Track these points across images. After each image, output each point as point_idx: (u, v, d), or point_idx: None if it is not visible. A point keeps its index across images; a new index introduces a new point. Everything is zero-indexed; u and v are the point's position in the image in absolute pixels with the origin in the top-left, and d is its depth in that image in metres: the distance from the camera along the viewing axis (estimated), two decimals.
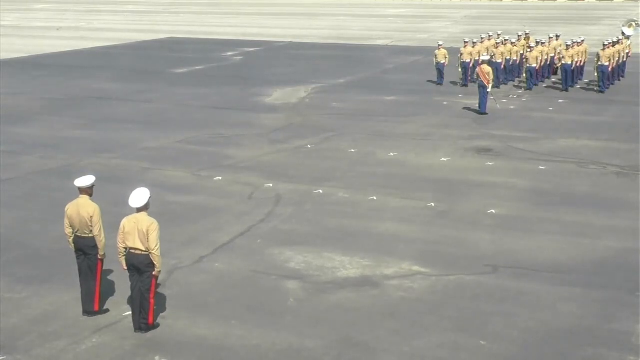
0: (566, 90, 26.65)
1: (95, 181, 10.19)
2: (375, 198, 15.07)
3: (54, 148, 19.28)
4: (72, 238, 10.04)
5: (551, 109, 23.97)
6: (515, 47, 28.49)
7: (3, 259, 12.17)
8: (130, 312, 9.91)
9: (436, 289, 10.98)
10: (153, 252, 9.36)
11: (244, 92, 27.41)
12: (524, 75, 28.13)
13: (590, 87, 27.37)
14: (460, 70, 27.87)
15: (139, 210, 9.49)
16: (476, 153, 18.52)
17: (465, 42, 28.04)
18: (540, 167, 17.20)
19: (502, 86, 27.30)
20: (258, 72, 32.43)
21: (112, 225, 10.53)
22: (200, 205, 14.76)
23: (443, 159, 17.99)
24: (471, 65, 27.43)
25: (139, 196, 9.50)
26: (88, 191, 10.03)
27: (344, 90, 27.63)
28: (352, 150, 18.79)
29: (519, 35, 29.89)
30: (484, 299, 10.62)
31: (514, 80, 28.50)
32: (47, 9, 71.61)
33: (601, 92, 26.34)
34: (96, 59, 36.99)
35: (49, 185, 16.15)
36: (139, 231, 9.35)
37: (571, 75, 26.94)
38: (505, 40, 28.60)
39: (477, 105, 23.24)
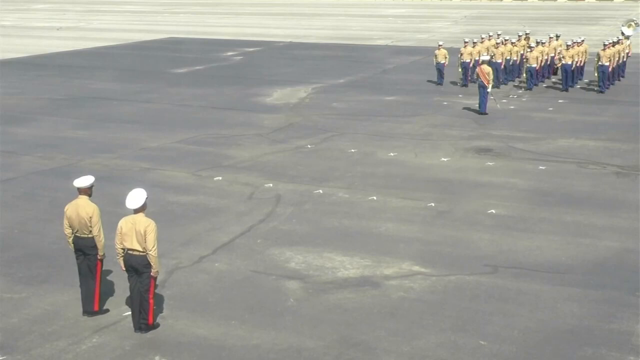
0: (566, 90, 26.65)
1: (95, 181, 10.20)
2: (375, 198, 15.07)
3: (54, 148, 19.28)
4: (71, 238, 10.04)
5: (551, 109, 23.97)
6: (515, 47, 28.49)
7: (3, 259, 12.18)
8: (130, 312, 9.91)
9: (436, 289, 10.98)
10: (150, 252, 9.35)
11: (244, 92, 27.41)
12: (524, 75, 28.13)
13: (590, 87, 27.37)
14: (460, 70, 27.86)
15: (136, 211, 9.48)
16: (476, 153, 18.52)
17: (465, 42, 28.03)
18: (540, 167, 17.20)
19: (502, 86, 27.30)
20: (258, 72, 32.43)
21: (111, 225, 10.50)
22: (200, 205, 14.77)
23: (443, 159, 17.99)
24: (471, 65, 27.42)
25: (136, 197, 9.48)
26: (87, 191, 10.03)
27: (344, 90, 27.63)
28: (352, 150, 18.79)
29: (519, 35, 29.89)
30: (484, 299, 10.62)
31: (514, 80, 28.50)
32: (47, 9, 71.62)
33: (601, 92, 26.33)
34: (96, 59, 37.00)
35: (49, 185, 16.15)
36: (136, 232, 9.35)
37: (571, 75, 26.94)
38: (505, 40, 28.59)
39: (477, 105, 23.24)
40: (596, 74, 26.58)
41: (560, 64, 27.88)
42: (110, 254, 10.36)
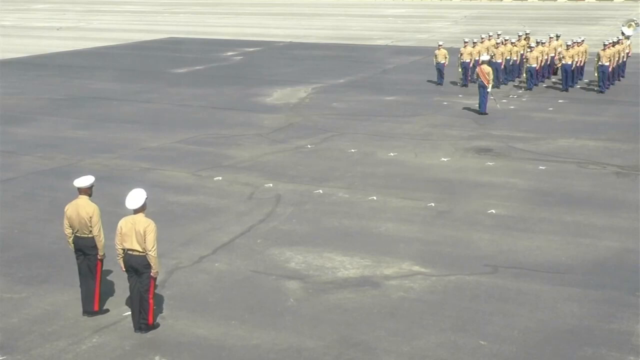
0: (566, 90, 26.65)
1: (95, 181, 10.20)
2: (375, 198, 15.07)
3: (54, 148, 19.28)
4: (71, 238, 10.05)
5: (551, 109, 23.98)
6: (515, 47, 28.49)
7: (3, 259, 12.18)
8: (130, 312, 9.91)
9: (436, 289, 10.98)
10: (150, 253, 9.35)
11: (244, 92, 27.41)
12: (524, 75, 28.13)
13: (590, 87, 27.37)
14: (460, 70, 27.86)
15: (136, 211, 9.47)
16: (476, 153, 18.52)
17: (465, 42, 28.03)
18: (540, 167, 17.20)
19: (502, 86, 27.30)
20: (258, 72, 32.43)
21: (111, 225, 10.49)
22: (200, 205, 14.77)
23: (443, 159, 17.99)
24: (471, 65, 27.42)
25: (135, 197, 9.48)
26: (87, 191, 10.03)
27: (344, 90, 27.63)
28: (352, 150, 18.79)
29: (519, 35, 29.89)
30: (484, 299, 10.62)
31: (514, 80, 28.50)
32: (47, 9, 71.62)
33: (601, 92, 26.33)
34: (96, 59, 37.01)
35: (49, 185, 16.15)
36: (136, 232, 9.34)
37: (571, 75, 26.94)
38: (505, 40, 28.59)
39: (477, 105, 23.24)
40: (596, 74, 26.58)
41: (560, 64, 27.88)
42: (110, 254, 10.36)
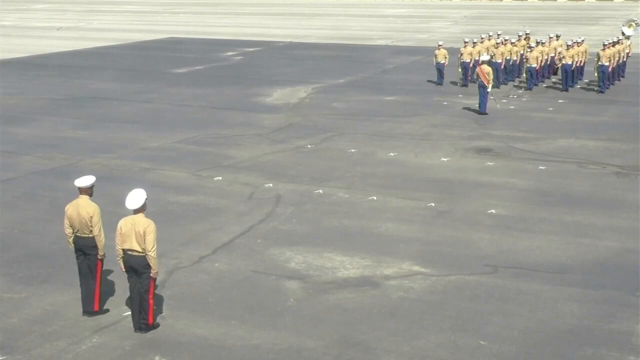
0: (566, 90, 26.66)
1: (95, 181, 10.20)
2: (375, 198, 15.08)
3: (54, 148, 19.28)
4: (72, 238, 10.05)
5: (551, 109, 23.98)
6: (515, 47, 28.49)
7: (3, 259, 12.18)
8: (130, 312, 9.91)
9: (436, 289, 10.98)
10: (150, 253, 9.35)
11: (244, 92, 27.41)
12: (524, 75, 28.13)
13: (590, 87, 27.37)
14: (460, 70, 27.86)
15: (135, 211, 9.47)
16: (476, 153, 18.52)
17: (465, 42, 28.03)
18: (540, 167, 17.21)
19: (502, 86, 27.30)
20: (258, 72, 32.43)
21: (112, 225, 10.48)
22: (200, 205, 14.77)
23: (443, 159, 17.99)
24: (471, 65, 27.42)
25: (135, 197, 9.48)
26: (88, 191, 10.03)
27: (344, 90, 27.63)
28: (352, 150, 18.79)
29: (519, 35, 29.89)
30: (484, 299, 10.62)
31: (514, 80, 28.50)
32: (47, 9, 71.61)
33: (601, 92, 26.34)
34: (96, 59, 37.00)
35: (49, 185, 16.15)
36: (136, 232, 9.34)
37: (571, 75, 26.94)
38: (505, 40, 28.59)
39: (477, 105, 23.24)
40: (596, 74, 26.58)
41: (560, 64, 27.89)
42: (110, 254, 10.36)
